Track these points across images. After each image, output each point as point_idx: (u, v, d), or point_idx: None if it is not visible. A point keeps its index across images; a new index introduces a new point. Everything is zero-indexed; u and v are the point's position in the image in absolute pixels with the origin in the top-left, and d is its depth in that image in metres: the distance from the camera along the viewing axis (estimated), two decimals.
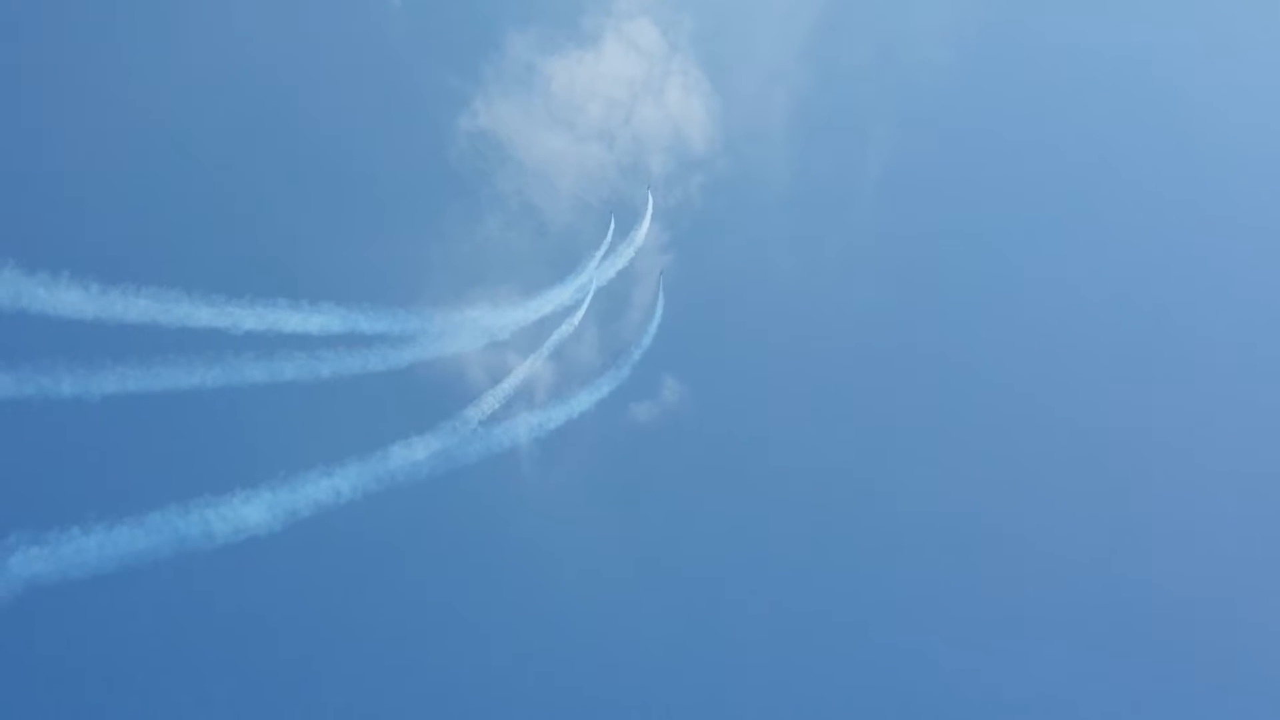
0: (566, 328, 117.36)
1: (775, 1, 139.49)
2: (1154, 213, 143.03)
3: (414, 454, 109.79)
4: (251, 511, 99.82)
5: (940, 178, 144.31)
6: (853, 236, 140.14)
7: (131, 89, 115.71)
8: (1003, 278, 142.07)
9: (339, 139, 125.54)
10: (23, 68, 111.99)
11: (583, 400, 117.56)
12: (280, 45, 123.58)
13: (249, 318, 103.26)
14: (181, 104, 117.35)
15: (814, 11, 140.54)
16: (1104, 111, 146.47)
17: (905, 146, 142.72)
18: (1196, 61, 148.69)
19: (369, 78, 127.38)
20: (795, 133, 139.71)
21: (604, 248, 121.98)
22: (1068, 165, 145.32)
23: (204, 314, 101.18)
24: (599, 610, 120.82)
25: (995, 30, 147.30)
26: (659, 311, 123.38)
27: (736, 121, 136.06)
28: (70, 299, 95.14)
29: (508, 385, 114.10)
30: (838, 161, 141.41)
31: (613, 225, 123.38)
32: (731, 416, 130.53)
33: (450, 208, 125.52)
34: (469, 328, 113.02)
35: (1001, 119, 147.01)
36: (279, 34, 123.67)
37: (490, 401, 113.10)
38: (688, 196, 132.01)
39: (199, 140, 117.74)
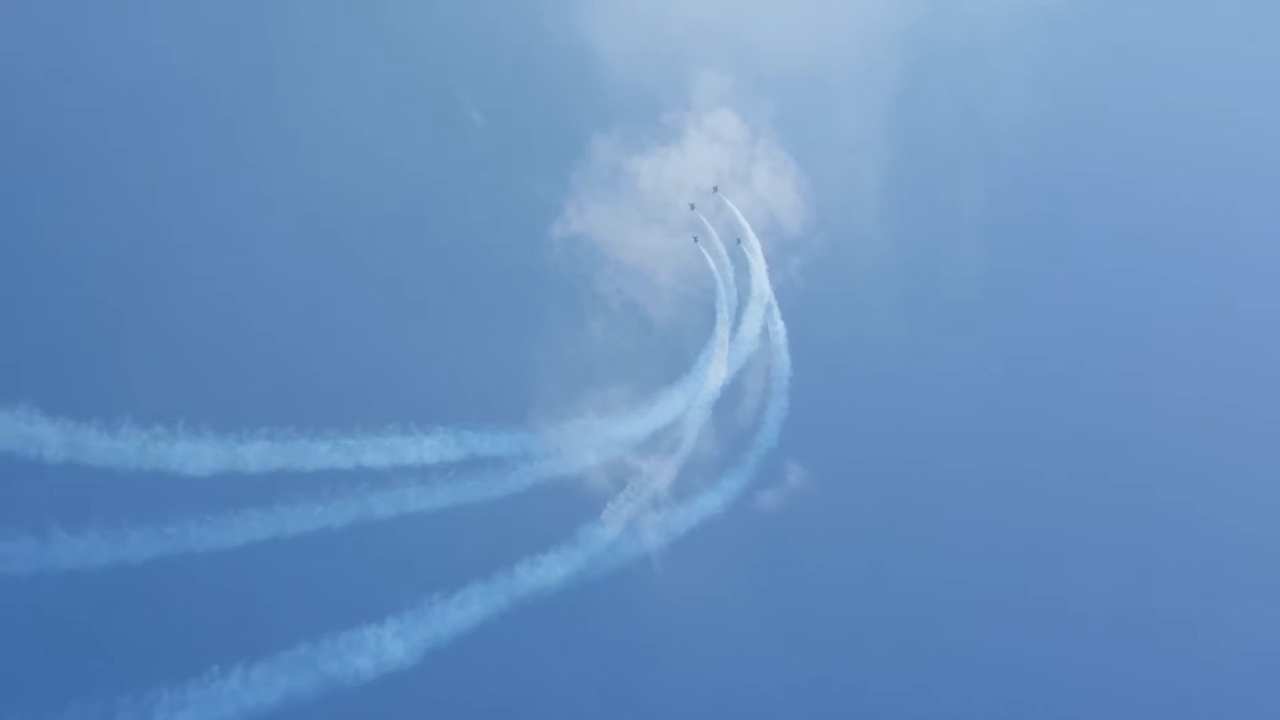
0: (689, 438, 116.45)
1: (853, 73, 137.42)
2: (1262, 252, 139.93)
3: (542, 572, 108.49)
4: (386, 644, 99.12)
5: (1037, 228, 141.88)
6: (958, 297, 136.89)
7: (220, 228, 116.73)
8: (1113, 317, 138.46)
9: (433, 259, 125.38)
10: (116, 228, 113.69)
11: (712, 501, 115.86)
12: (365, 171, 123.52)
13: (365, 450, 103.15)
14: (268, 238, 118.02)
15: (893, 78, 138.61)
16: (1194, 153, 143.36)
17: (999, 201, 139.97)
18: None
19: (458, 196, 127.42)
20: (887, 201, 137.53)
21: (715, 344, 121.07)
22: (1165, 206, 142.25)
23: (321, 451, 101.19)
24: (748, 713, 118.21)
25: (1079, 78, 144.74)
26: (777, 397, 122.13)
27: (827, 198, 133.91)
28: (189, 450, 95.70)
29: (631, 494, 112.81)
30: (933, 224, 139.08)
31: (718, 317, 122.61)
32: (861, 497, 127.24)
33: (552, 315, 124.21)
34: (587, 442, 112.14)
35: (1092, 166, 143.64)
36: (362, 161, 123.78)
37: (614, 511, 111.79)
38: (788, 279, 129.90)
39: (291, 275, 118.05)
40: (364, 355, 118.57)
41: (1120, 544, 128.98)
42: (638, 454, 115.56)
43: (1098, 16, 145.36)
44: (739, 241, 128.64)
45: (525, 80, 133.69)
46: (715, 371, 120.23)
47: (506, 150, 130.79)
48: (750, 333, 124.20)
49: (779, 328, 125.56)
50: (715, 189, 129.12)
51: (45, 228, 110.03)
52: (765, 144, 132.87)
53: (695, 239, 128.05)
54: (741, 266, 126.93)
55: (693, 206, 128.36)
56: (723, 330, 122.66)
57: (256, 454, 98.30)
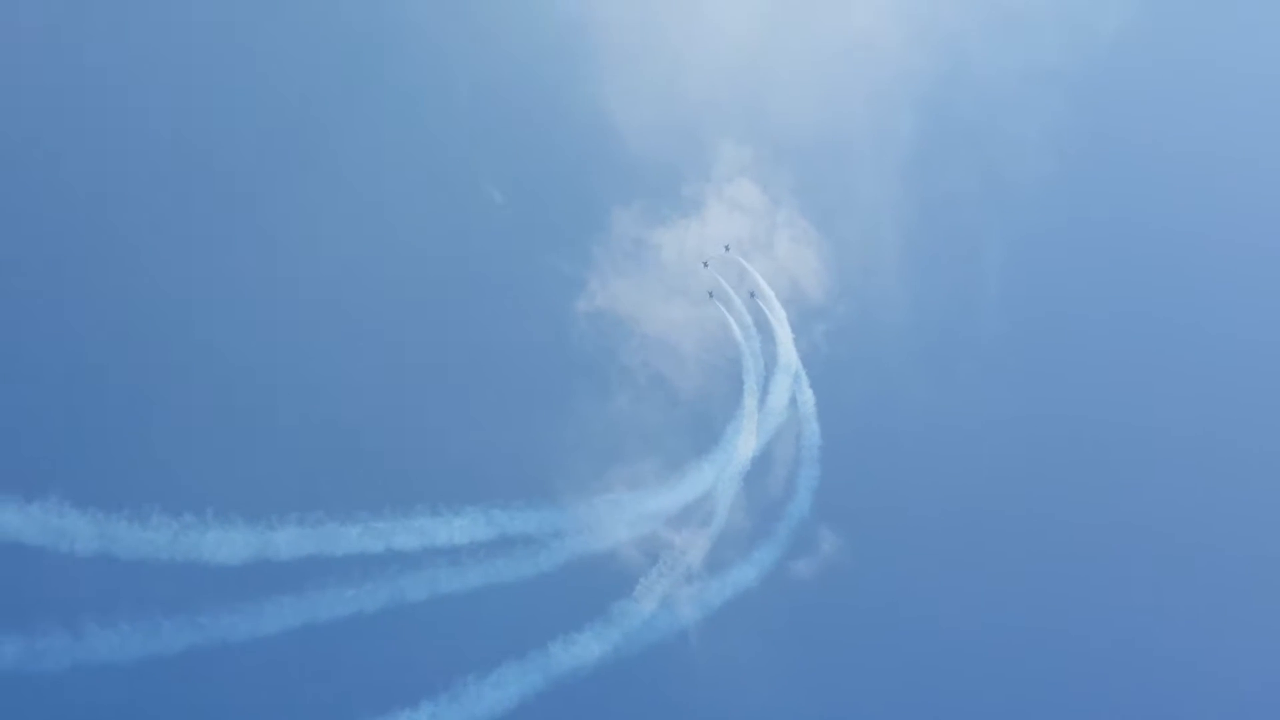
0: (720, 510, 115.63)
1: (870, 139, 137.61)
2: None
3: (577, 649, 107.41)
4: None
5: (1058, 286, 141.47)
6: (982, 358, 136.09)
7: (244, 312, 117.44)
8: (1136, 371, 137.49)
9: (458, 338, 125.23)
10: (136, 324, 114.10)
11: (746, 573, 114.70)
12: (388, 254, 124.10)
13: (395, 532, 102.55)
14: (292, 322, 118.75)
15: (909, 143, 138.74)
16: (1213, 207, 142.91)
17: (1019, 260, 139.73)
18: None
19: (481, 275, 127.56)
20: (908, 264, 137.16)
21: (743, 415, 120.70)
22: (1185, 261, 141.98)
23: (351, 534, 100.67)
24: None
25: (1093, 136, 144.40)
26: (808, 465, 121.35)
27: (849, 263, 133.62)
28: (219, 539, 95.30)
29: (664, 568, 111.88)
30: (954, 286, 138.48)
31: (745, 387, 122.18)
32: (895, 564, 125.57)
33: (578, 390, 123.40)
34: (617, 517, 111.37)
35: (1111, 222, 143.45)
36: (385, 243, 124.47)
37: (648, 586, 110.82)
38: (813, 345, 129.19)
39: (316, 358, 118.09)
40: (391, 436, 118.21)
41: (1155, 595, 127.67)
42: (669, 527, 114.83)
43: (1108, 76, 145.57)
44: (753, 295, 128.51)
45: (543, 156, 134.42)
46: (745, 442, 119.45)
47: (528, 227, 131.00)
48: (778, 402, 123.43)
49: (807, 396, 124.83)
50: (727, 248, 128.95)
51: (72, 316, 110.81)
52: (786, 212, 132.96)
53: (710, 294, 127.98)
54: (766, 334, 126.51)
55: (706, 264, 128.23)
56: (750, 400, 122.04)
57: (287, 540, 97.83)
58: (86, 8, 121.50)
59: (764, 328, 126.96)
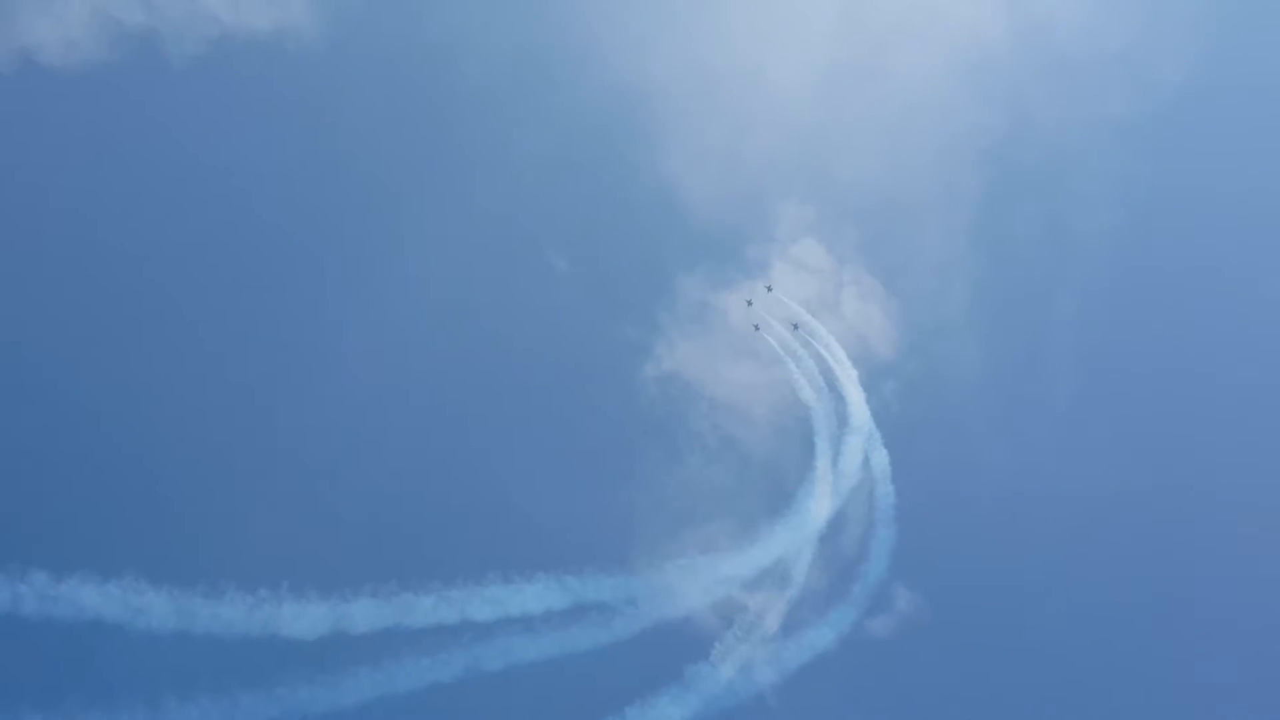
0: (797, 574, 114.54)
1: (934, 194, 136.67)
2: None
3: (654, 714, 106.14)
4: None
5: (1132, 337, 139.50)
6: (1056, 412, 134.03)
7: (310, 385, 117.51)
8: (1217, 424, 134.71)
9: (526, 407, 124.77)
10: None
11: (823, 634, 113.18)
12: (455, 326, 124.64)
13: (469, 601, 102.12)
14: (357, 394, 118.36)
15: (976, 195, 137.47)
16: None
17: (1091, 312, 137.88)
18: None
19: (548, 343, 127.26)
20: (978, 319, 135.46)
21: (815, 477, 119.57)
22: (1261, 303, 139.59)
23: (425, 605, 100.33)
24: None
25: (1165, 184, 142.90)
26: (884, 526, 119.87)
27: (917, 320, 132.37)
28: (295, 612, 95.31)
29: (740, 631, 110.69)
30: (1025, 340, 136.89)
31: (817, 449, 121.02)
32: (974, 621, 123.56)
33: (649, 455, 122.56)
34: (692, 582, 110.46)
35: (1184, 270, 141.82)
36: (451, 316, 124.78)
37: (724, 650, 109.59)
38: (883, 404, 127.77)
39: (385, 429, 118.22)
40: (463, 505, 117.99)
41: (1237, 647, 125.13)
42: (744, 590, 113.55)
43: (1173, 124, 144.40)
44: (796, 327, 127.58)
45: (606, 223, 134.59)
46: (819, 503, 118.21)
47: (593, 294, 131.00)
48: (851, 461, 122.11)
49: (881, 456, 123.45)
50: (769, 288, 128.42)
51: (143, 398, 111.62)
52: (851, 270, 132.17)
53: (756, 327, 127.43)
54: (835, 393, 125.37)
55: (750, 303, 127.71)
56: (823, 461, 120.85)
57: (362, 612, 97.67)
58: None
59: (833, 387, 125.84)
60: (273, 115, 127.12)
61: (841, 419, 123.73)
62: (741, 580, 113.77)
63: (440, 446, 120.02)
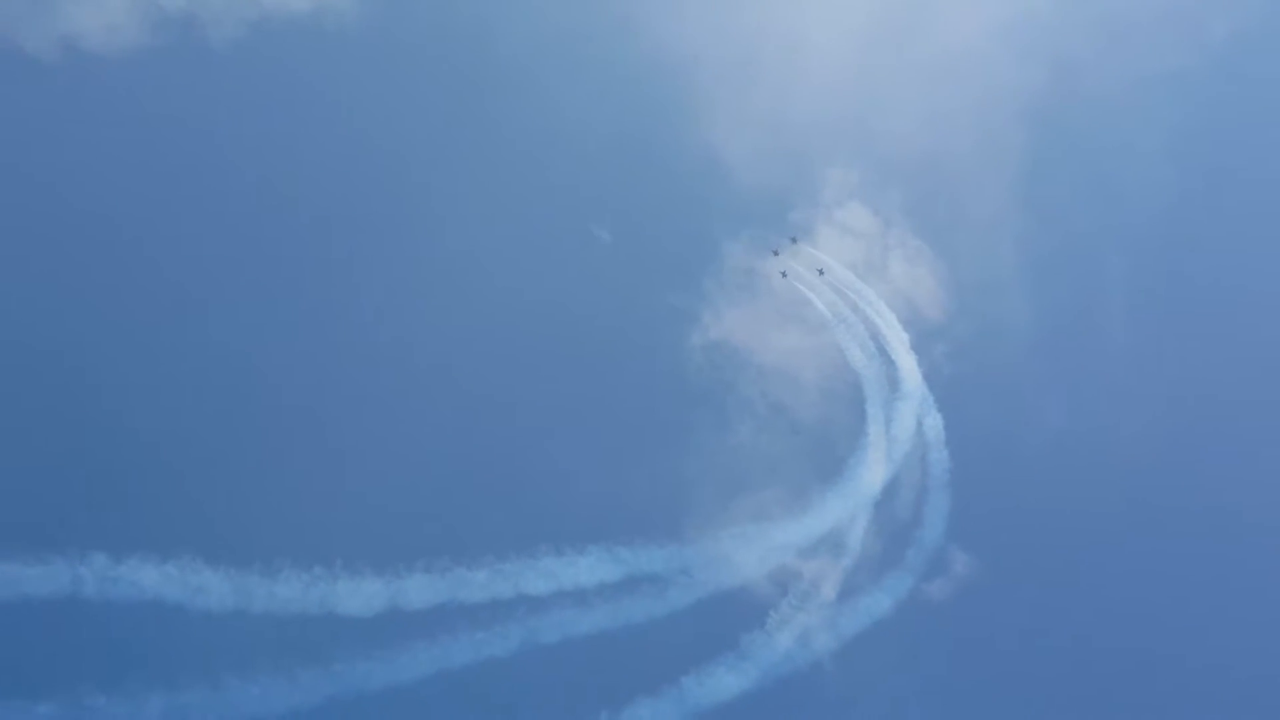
0: (853, 542, 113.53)
1: (979, 153, 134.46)
2: None
3: (711, 683, 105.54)
4: None
5: (1183, 290, 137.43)
6: (1109, 368, 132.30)
7: (357, 360, 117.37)
8: (1275, 386, 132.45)
9: (574, 378, 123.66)
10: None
11: (879, 601, 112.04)
12: (500, 301, 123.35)
13: (522, 574, 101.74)
14: (407, 369, 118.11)
15: (1022, 153, 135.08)
16: None
17: (1141, 266, 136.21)
18: None
19: (594, 314, 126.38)
20: (1026, 277, 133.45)
21: (868, 442, 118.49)
22: None
23: (479, 578, 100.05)
24: None
25: (1213, 136, 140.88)
26: (938, 491, 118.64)
27: (966, 281, 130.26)
28: (350, 589, 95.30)
29: (795, 599, 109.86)
30: (1076, 296, 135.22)
31: (869, 414, 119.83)
32: (1032, 583, 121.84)
33: (699, 423, 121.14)
34: (745, 551, 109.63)
35: (1234, 221, 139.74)
36: (497, 291, 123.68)
37: (780, 618, 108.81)
38: (934, 366, 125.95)
39: (434, 403, 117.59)
40: (513, 478, 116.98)
41: None
42: (799, 558, 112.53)
43: (1221, 77, 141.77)
44: (821, 272, 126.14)
45: (649, 193, 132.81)
46: (873, 470, 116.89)
47: (637, 264, 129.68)
48: (904, 427, 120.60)
49: (935, 419, 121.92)
50: (794, 239, 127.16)
51: (190, 377, 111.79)
52: (897, 233, 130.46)
53: (784, 274, 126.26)
54: (886, 358, 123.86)
55: (776, 253, 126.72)
56: (875, 427, 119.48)
57: (417, 587, 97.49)
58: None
59: (882, 351, 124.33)
60: (314, 95, 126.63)
61: (892, 383, 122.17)
62: (796, 548, 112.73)
63: (489, 420, 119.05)
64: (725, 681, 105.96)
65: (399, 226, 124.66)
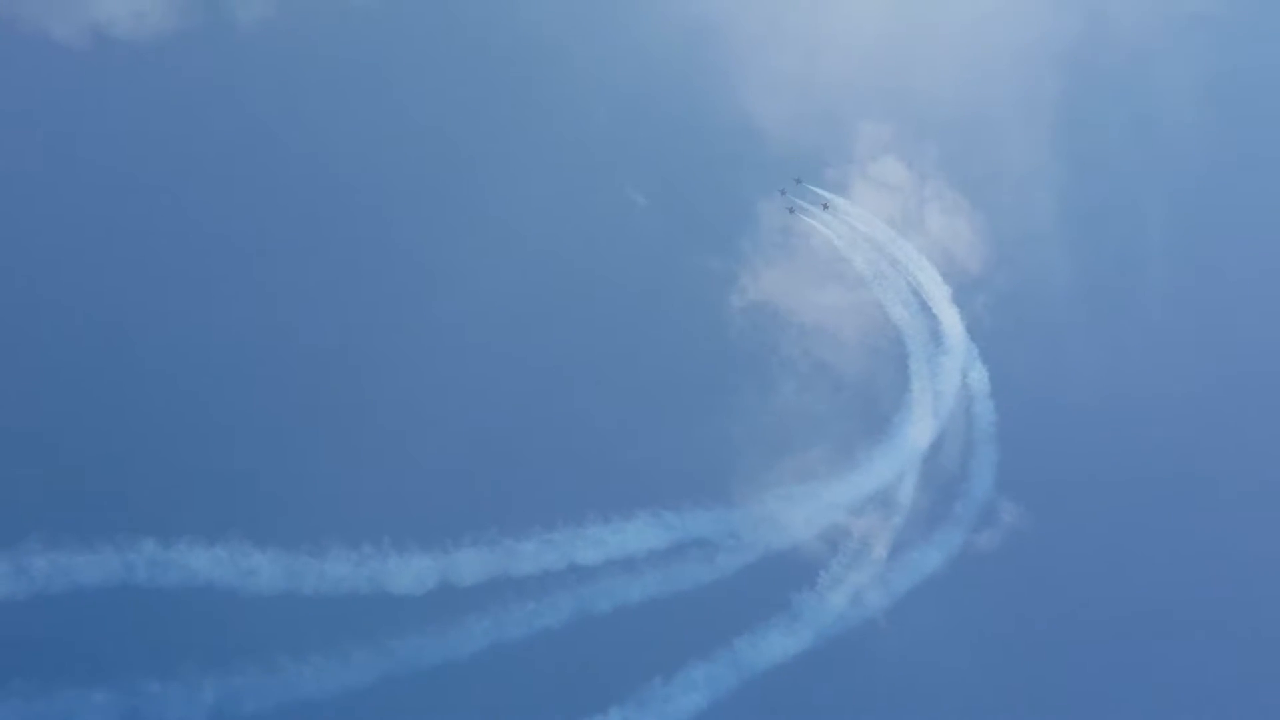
0: (902, 499, 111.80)
1: (1013, 102, 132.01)
2: None
3: (764, 645, 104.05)
4: None
5: (1224, 231, 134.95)
6: (1152, 314, 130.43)
7: (395, 330, 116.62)
8: None
9: (615, 344, 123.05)
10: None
11: (930, 556, 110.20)
12: (539, 269, 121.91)
13: (570, 543, 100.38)
14: (448, 341, 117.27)
15: (1056, 101, 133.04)
16: None
17: (1181, 209, 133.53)
18: None
19: (633, 279, 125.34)
20: (1066, 226, 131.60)
21: (912, 398, 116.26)
22: None
23: (527, 549, 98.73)
24: None
25: (1250, 75, 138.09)
26: (986, 444, 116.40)
27: (1004, 231, 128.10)
28: (399, 566, 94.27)
29: (846, 557, 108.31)
30: (1116, 242, 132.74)
31: (911, 369, 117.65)
32: (1081, 534, 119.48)
33: (743, 385, 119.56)
34: (793, 512, 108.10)
35: (1277, 165, 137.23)
36: (536, 259, 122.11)
37: (831, 577, 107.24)
38: (976, 319, 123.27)
39: (474, 373, 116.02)
40: (557, 446, 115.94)
41: None
42: (849, 516, 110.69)
43: (1255, 13, 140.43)
44: (826, 207, 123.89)
45: (681, 155, 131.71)
46: (919, 426, 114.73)
47: (674, 228, 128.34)
48: (949, 382, 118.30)
49: (980, 372, 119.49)
50: (798, 181, 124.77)
51: (230, 359, 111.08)
52: (934, 186, 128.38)
53: (791, 210, 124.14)
54: (927, 312, 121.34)
55: (783, 192, 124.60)
56: (919, 383, 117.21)
57: (466, 561, 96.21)
58: None
59: (923, 305, 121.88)
60: (346, 70, 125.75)
61: (934, 337, 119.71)
62: (844, 507, 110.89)
63: (531, 389, 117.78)
64: (778, 643, 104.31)
65: (437, 200, 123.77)
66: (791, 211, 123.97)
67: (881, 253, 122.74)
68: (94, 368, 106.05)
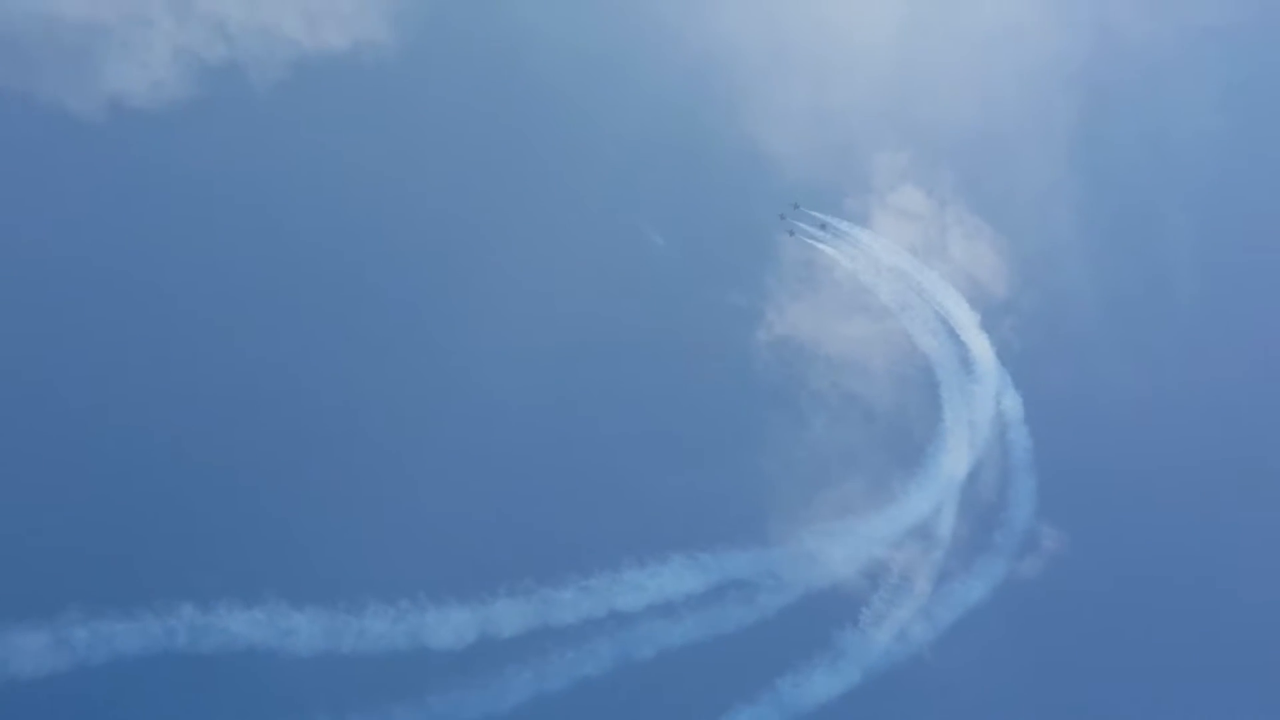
0: (943, 531, 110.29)
1: (1028, 123, 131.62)
2: None
3: (808, 684, 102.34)
4: None
5: (1250, 240, 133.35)
6: (1181, 326, 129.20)
7: (422, 385, 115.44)
8: None
9: (643, 387, 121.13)
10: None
11: (972, 588, 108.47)
12: (564, 319, 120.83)
13: (608, 590, 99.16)
14: (473, 394, 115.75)
15: (1071, 119, 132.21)
16: None
17: (1204, 221, 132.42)
18: None
19: (656, 321, 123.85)
20: (1089, 242, 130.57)
21: (945, 428, 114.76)
22: None
23: (564, 598, 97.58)
24: None
25: (1263, 86, 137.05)
26: (1023, 472, 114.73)
27: (1028, 253, 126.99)
28: (438, 619, 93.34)
29: (887, 591, 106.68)
30: (1141, 256, 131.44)
31: (942, 397, 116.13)
32: (1126, 556, 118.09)
33: (773, 420, 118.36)
34: (831, 548, 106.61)
35: None
36: (559, 309, 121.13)
37: (873, 612, 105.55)
38: (1004, 342, 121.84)
39: (504, 422, 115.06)
40: (589, 493, 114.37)
41: None
42: (888, 549, 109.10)
43: (1267, 25, 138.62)
44: (824, 226, 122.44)
45: (697, 193, 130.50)
46: (954, 456, 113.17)
47: (695, 266, 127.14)
48: (980, 409, 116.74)
49: (1013, 398, 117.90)
50: (796, 205, 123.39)
51: (260, 418, 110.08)
52: (954, 211, 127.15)
53: (791, 233, 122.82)
54: (955, 339, 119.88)
55: (783, 216, 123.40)
56: (951, 411, 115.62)
57: (504, 612, 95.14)
58: None
59: (950, 331, 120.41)
60: (361, 127, 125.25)
61: (964, 363, 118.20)
62: (883, 541, 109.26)
63: (561, 435, 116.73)
64: (823, 683, 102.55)
65: (456, 251, 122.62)
66: (791, 234, 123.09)
67: (906, 281, 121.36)
68: (126, 433, 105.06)
